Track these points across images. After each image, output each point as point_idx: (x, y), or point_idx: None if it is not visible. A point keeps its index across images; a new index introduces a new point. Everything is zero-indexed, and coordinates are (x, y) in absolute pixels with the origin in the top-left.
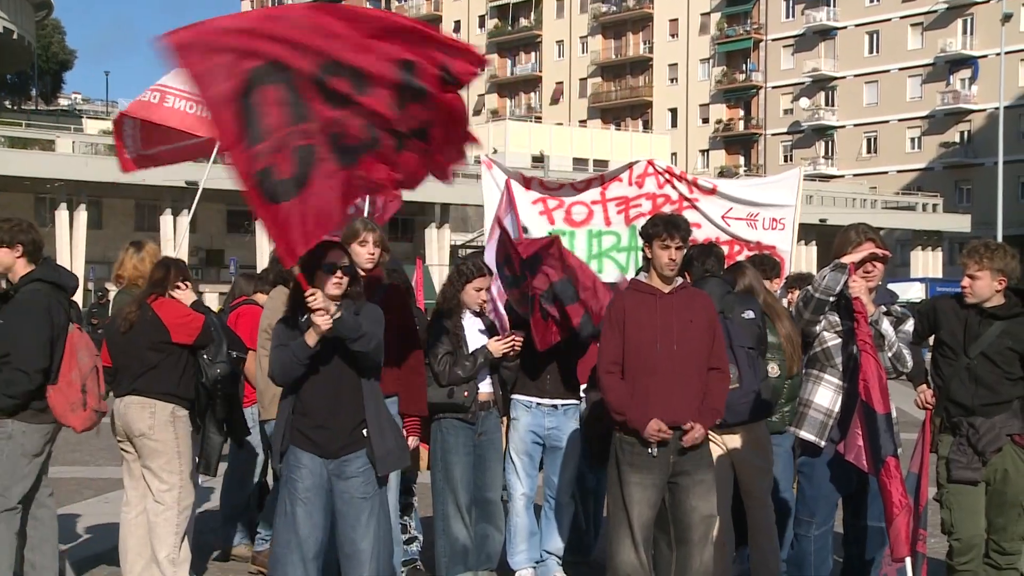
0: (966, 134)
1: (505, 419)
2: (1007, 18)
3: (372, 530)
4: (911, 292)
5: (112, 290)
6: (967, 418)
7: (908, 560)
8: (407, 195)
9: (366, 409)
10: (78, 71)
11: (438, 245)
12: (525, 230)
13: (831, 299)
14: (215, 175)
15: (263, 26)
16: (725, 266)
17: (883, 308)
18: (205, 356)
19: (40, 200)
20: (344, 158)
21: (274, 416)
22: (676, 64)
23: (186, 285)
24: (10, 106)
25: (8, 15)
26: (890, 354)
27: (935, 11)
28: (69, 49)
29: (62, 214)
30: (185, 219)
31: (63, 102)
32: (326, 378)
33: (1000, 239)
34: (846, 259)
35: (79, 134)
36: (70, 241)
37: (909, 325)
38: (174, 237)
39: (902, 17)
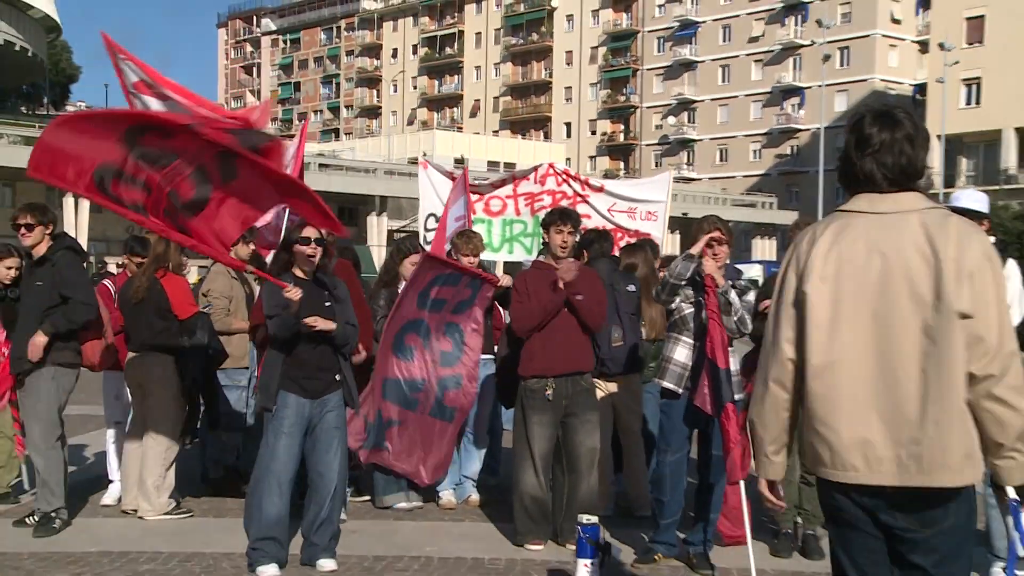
0: (795, 148)
1: None
2: (826, 58)
3: (341, 453)
4: (752, 272)
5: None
6: None
7: (742, 482)
8: (352, 187)
9: (341, 362)
10: (83, 83)
11: (378, 230)
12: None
13: (682, 283)
14: None
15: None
16: (614, 249)
17: (730, 282)
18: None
19: (50, 189)
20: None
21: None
22: (571, 87)
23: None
24: (25, 111)
25: (24, 36)
26: (735, 319)
27: (772, 50)
28: (75, 65)
29: (68, 200)
30: None
31: (70, 108)
32: (317, 341)
33: None
34: (694, 250)
35: None
36: (75, 222)
37: (751, 296)
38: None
39: (747, 55)
